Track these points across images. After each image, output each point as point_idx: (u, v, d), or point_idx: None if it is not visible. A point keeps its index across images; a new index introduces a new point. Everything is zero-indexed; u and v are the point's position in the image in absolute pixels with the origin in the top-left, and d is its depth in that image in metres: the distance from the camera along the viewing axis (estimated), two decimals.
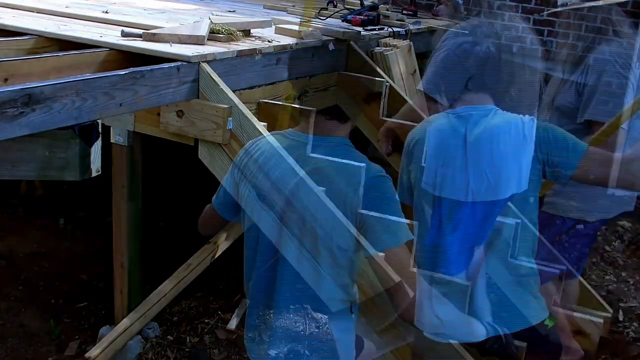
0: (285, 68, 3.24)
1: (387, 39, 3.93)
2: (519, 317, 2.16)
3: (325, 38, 3.39)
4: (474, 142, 2.17)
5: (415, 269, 2.87)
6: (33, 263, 4.18)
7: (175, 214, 2.67)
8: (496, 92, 2.31)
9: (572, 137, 2.24)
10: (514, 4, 5.69)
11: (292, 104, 3.18)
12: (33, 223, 4.65)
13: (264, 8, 4.75)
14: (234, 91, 2.70)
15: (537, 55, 3.18)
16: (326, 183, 2.06)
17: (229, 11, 4.26)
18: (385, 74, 3.52)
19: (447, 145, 2.23)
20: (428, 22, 4.72)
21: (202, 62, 2.63)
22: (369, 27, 3.88)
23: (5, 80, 2.28)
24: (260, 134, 2.61)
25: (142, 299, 3.38)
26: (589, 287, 3.68)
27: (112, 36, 2.79)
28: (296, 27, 3.51)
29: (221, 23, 3.09)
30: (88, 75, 2.20)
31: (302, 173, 2.05)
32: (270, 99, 3.15)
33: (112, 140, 3.02)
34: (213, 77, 2.63)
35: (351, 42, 3.52)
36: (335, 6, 4.41)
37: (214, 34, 2.98)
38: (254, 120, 2.65)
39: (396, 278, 1.94)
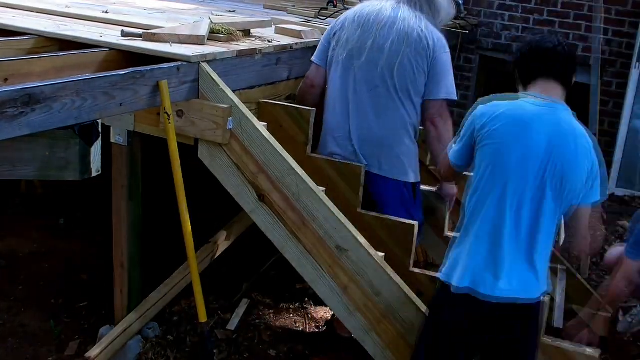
0: (285, 68, 3.24)
1: None
2: None
3: None
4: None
5: (415, 269, 2.89)
6: (33, 263, 4.17)
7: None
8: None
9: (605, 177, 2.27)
10: (514, 4, 5.69)
11: (292, 104, 3.18)
12: (33, 223, 4.64)
13: (264, 8, 4.75)
14: (234, 91, 2.70)
15: None
16: None
17: (229, 11, 4.26)
18: None
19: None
20: None
21: (202, 62, 2.63)
22: None
23: (5, 80, 2.28)
24: (260, 133, 2.62)
25: (142, 299, 3.38)
26: (588, 286, 3.69)
27: (112, 36, 2.79)
28: (296, 27, 3.51)
29: (221, 23, 3.09)
30: (88, 75, 2.20)
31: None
32: (270, 99, 3.15)
33: (112, 140, 3.02)
34: (213, 77, 2.63)
35: None
36: (335, 6, 4.41)
37: (214, 34, 2.98)
38: (254, 120, 2.65)
39: None
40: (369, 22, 3.00)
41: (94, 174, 2.78)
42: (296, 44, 3.29)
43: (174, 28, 2.96)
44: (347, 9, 4.23)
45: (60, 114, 2.04)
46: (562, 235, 2.63)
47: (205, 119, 2.63)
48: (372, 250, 2.54)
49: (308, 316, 3.76)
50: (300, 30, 3.42)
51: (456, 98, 3.07)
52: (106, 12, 3.38)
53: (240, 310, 3.70)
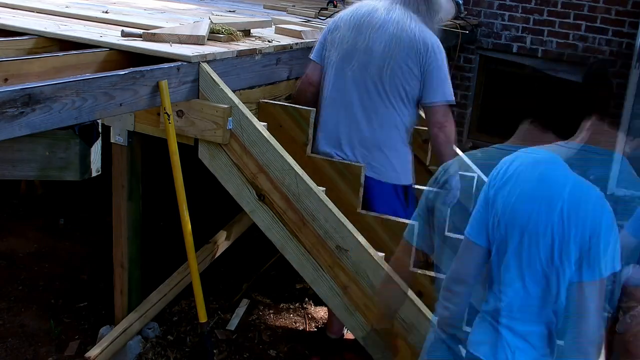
0: (285, 68, 3.24)
1: None
2: None
3: None
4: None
5: (413, 269, 2.89)
6: (33, 263, 4.18)
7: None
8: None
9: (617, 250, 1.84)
10: (514, 4, 5.69)
11: (292, 104, 3.18)
12: (33, 223, 4.65)
13: (264, 8, 4.75)
14: (234, 91, 2.70)
15: None
16: None
17: (229, 11, 4.26)
18: None
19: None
20: None
21: (202, 62, 2.63)
22: None
23: (5, 80, 2.28)
24: (260, 133, 2.62)
25: (142, 299, 3.38)
26: None
27: (112, 36, 2.79)
28: (296, 27, 3.51)
29: (221, 23, 3.09)
30: (88, 75, 2.20)
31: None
32: (270, 99, 3.15)
33: (112, 140, 3.02)
34: (213, 77, 2.63)
35: None
36: (335, 6, 4.41)
37: (214, 34, 2.98)
38: (254, 120, 2.65)
39: None
40: (362, 24, 2.99)
41: (94, 174, 2.78)
42: (296, 44, 3.29)
43: (174, 28, 2.96)
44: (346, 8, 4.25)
45: (60, 114, 2.04)
46: None
47: (205, 119, 2.63)
48: (372, 250, 2.54)
49: (308, 316, 3.76)
50: (300, 30, 3.42)
51: (454, 101, 3.06)
52: (106, 12, 3.38)
53: (240, 310, 3.70)
